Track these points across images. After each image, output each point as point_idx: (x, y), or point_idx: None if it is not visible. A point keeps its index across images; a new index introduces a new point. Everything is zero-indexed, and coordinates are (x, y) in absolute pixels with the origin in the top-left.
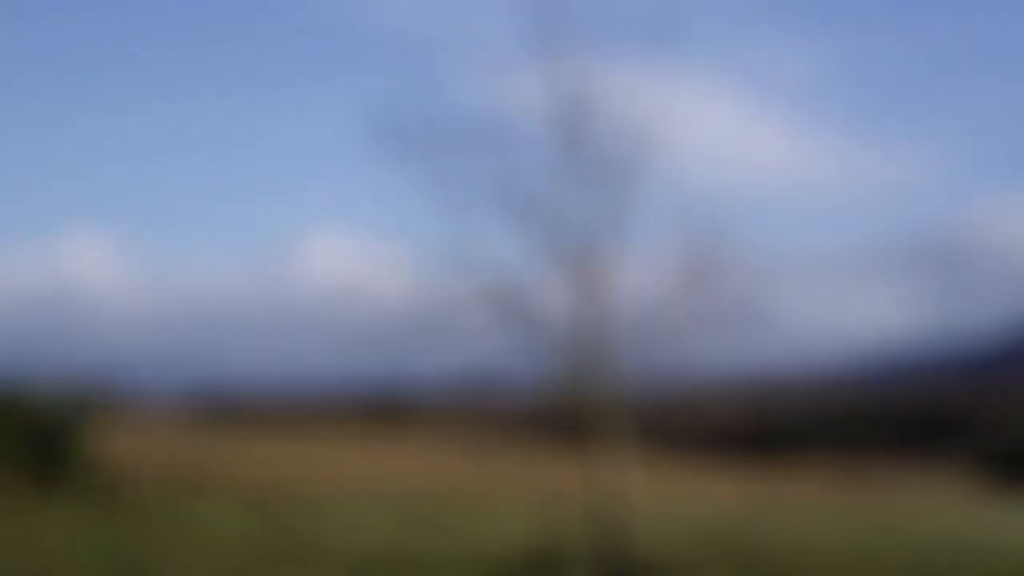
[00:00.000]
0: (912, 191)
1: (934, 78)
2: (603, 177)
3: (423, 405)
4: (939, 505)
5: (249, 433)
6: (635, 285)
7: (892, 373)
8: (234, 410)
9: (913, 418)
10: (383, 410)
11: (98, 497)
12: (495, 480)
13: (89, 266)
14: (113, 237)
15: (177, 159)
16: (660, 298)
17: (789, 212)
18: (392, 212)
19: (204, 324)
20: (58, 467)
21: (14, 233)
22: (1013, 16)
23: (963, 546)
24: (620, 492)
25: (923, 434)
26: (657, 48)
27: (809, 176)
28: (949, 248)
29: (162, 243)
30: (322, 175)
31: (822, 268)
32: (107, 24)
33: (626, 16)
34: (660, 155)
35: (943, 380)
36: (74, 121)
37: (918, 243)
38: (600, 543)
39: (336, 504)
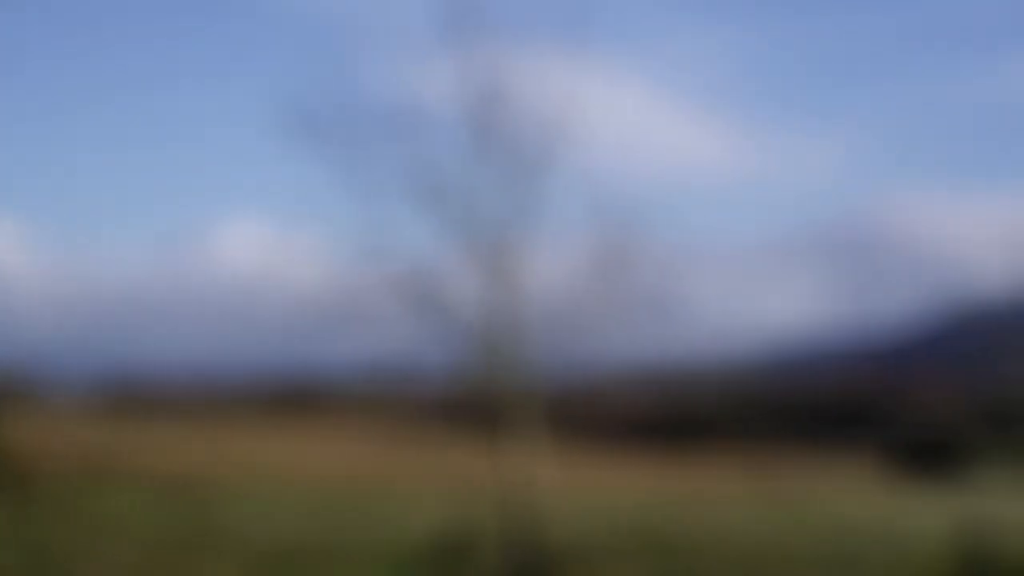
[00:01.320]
0: (825, 183)
1: (848, 72)
2: (516, 166)
3: (336, 394)
4: (848, 494)
5: (161, 422)
6: (548, 274)
7: (802, 363)
8: (146, 399)
9: (823, 408)
10: (296, 399)
11: (7, 486)
12: (408, 469)
13: None
14: (23, 223)
15: (88, 145)
16: (573, 287)
17: (703, 202)
18: (305, 199)
19: (116, 312)
20: None
21: None
22: (925, 11)
23: (871, 535)
24: (531, 482)
25: (833, 424)
26: (572, 38)
27: (724, 167)
28: (860, 240)
29: (73, 230)
30: (235, 162)
31: (735, 258)
32: (20, 11)
33: (541, 5)
34: (574, 144)
35: (853, 370)
36: None
37: (830, 235)
38: (511, 533)
39: (248, 493)
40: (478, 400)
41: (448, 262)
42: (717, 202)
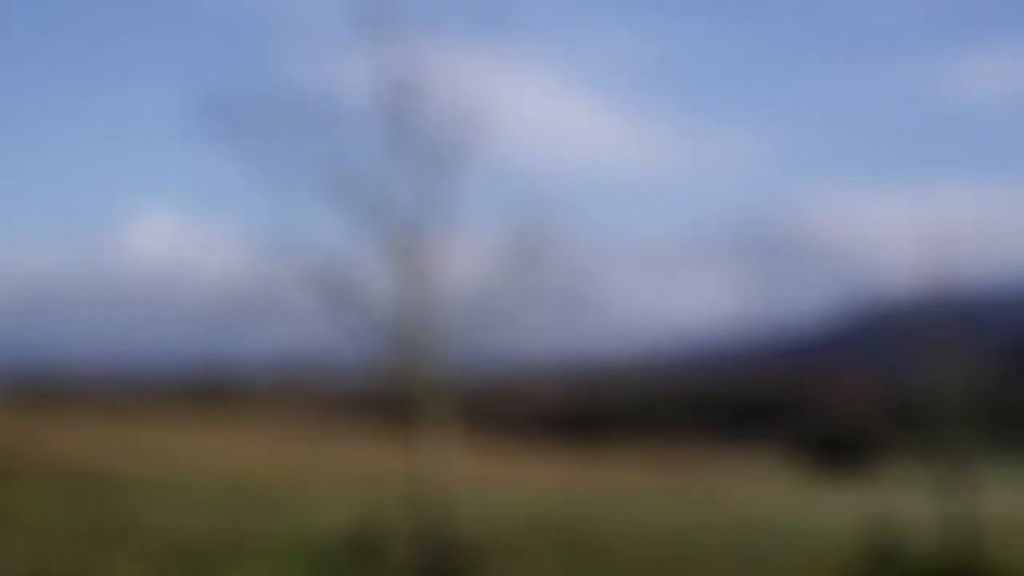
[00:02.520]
0: (740, 181)
1: (765, 70)
2: (430, 160)
3: (250, 387)
4: (758, 490)
5: (72, 414)
6: (461, 269)
7: (715, 359)
8: (57, 391)
9: (735, 404)
10: (209, 391)
11: None
12: (321, 463)
13: None
14: None
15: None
16: (486, 282)
17: (619, 198)
18: (219, 191)
19: (26, 302)
20: None
21: None
22: (845, 15)
23: (780, 531)
24: (444, 476)
25: (744, 419)
26: (488, 33)
27: (640, 163)
28: (773, 236)
29: None
30: (149, 153)
31: (650, 254)
32: None
33: (457, 0)
34: (489, 139)
35: (765, 366)
36: None
37: (744, 231)
38: (422, 528)
39: (160, 487)
40: (391, 394)
41: (362, 255)
42: (633, 198)
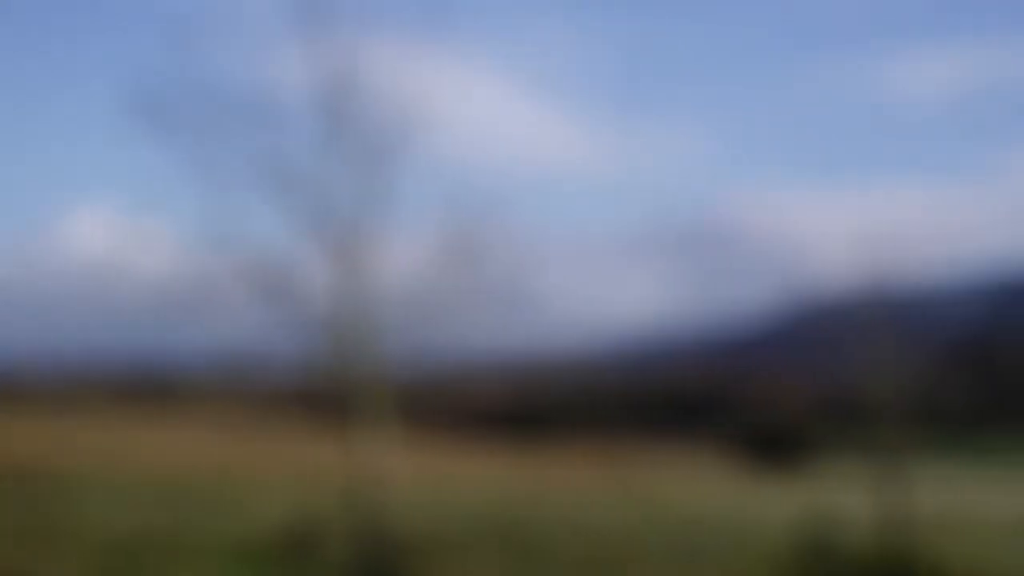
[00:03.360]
0: (680, 179)
1: (706, 70)
2: (368, 155)
3: (187, 383)
4: (697, 486)
5: (7, 410)
6: (400, 264)
7: (654, 355)
8: None
9: (674, 400)
10: (146, 388)
11: None
12: (258, 460)
13: None
14: None
15: None
16: (425, 278)
17: (559, 195)
18: (155, 186)
19: None
20: None
21: None
22: (782, 14)
23: (718, 527)
24: (382, 473)
25: (684, 415)
26: (429, 27)
27: (580, 160)
28: (712, 234)
29: None
30: (84, 147)
31: (589, 251)
32: None
33: None
34: (427, 134)
35: (704, 363)
36: None
37: (682, 228)
38: (360, 524)
39: (97, 484)
40: (330, 390)
41: (299, 252)
42: (573, 195)
